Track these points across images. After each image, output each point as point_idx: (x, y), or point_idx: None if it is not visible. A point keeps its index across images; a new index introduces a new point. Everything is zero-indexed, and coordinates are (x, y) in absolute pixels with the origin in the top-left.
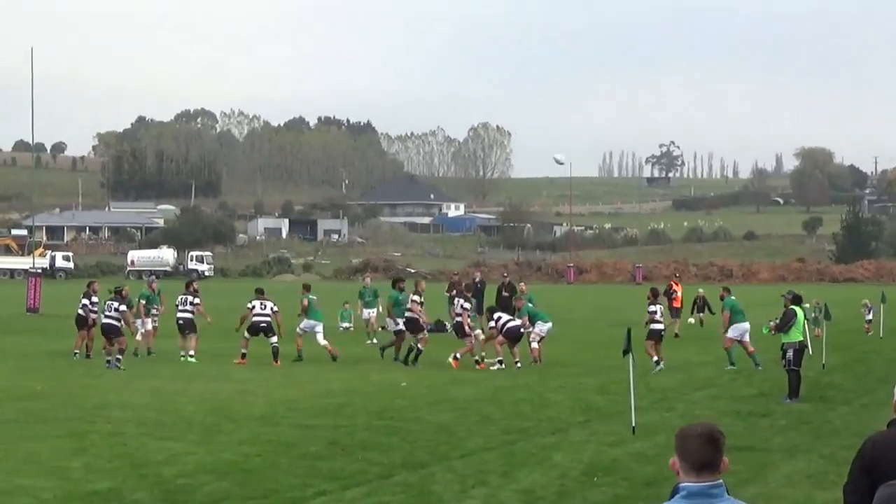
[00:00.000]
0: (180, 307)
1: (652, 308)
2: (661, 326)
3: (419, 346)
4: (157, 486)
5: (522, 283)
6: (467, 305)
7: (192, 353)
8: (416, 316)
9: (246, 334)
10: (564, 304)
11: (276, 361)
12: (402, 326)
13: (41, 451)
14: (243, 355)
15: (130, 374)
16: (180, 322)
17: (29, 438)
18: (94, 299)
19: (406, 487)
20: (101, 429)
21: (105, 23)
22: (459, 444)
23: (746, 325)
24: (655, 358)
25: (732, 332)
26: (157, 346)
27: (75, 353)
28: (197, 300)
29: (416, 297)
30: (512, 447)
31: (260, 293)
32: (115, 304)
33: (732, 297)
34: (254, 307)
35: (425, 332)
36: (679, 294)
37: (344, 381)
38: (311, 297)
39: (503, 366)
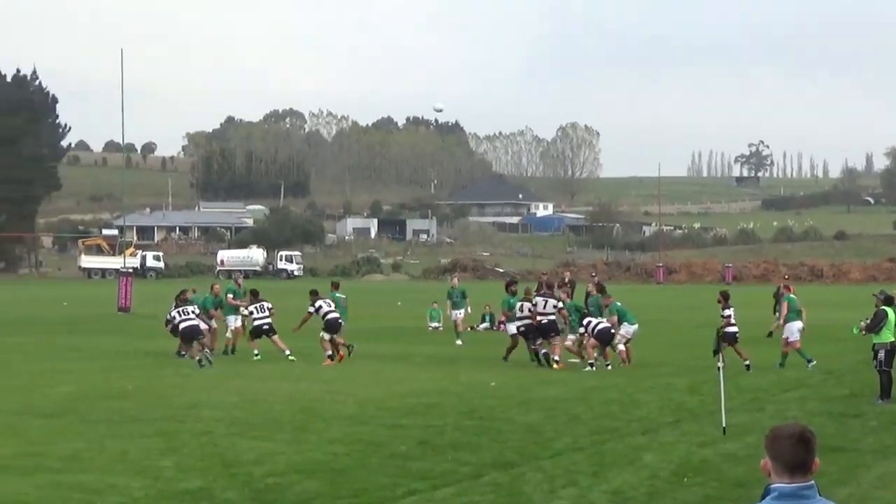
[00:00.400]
0: (257, 313)
1: (725, 312)
2: (734, 329)
3: (546, 350)
4: (247, 485)
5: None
6: (559, 304)
7: (287, 351)
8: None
9: (325, 335)
10: (654, 304)
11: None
12: (514, 330)
13: (132, 451)
14: (330, 357)
15: (220, 374)
16: (265, 328)
17: (120, 437)
18: (190, 308)
19: (496, 487)
20: (191, 428)
21: (194, 24)
22: (549, 444)
23: (799, 324)
24: (746, 361)
25: (788, 332)
26: (244, 345)
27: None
28: (269, 304)
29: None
30: (601, 447)
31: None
32: (191, 308)
33: (792, 295)
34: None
35: (557, 334)
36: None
37: (434, 380)
38: (338, 295)
39: (594, 369)
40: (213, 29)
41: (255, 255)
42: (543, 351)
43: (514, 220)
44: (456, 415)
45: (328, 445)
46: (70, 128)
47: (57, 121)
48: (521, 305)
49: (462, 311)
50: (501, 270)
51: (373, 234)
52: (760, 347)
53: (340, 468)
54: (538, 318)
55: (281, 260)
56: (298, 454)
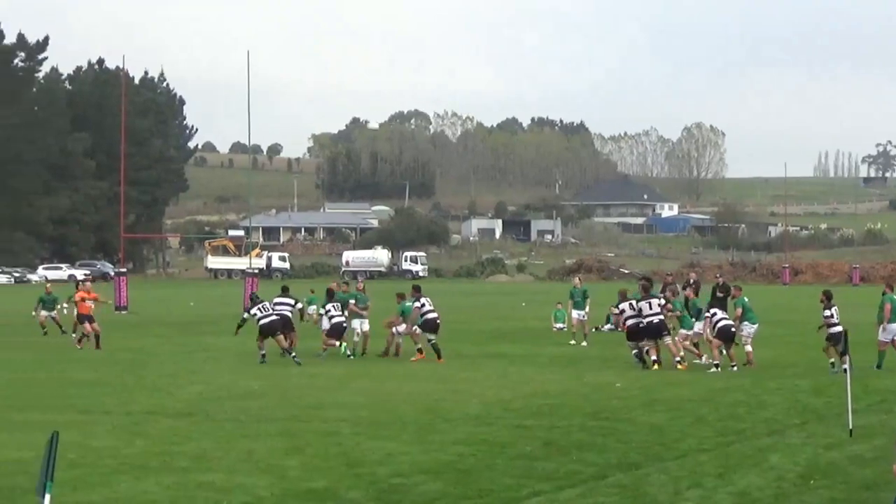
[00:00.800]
0: (334, 311)
1: (826, 312)
2: (837, 329)
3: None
4: (372, 485)
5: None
6: (661, 301)
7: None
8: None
9: (418, 330)
10: (779, 305)
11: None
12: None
13: (258, 450)
14: (419, 350)
15: (345, 375)
16: (344, 325)
17: (246, 437)
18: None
19: (620, 489)
20: (316, 428)
21: (319, 26)
22: (673, 445)
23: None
24: (832, 360)
25: (883, 335)
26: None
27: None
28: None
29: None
30: (727, 449)
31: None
32: (269, 304)
33: (894, 295)
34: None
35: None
36: None
37: (558, 381)
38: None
39: (719, 369)
40: (340, 30)
41: (380, 255)
42: (646, 349)
43: (639, 220)
44: (581, 415)
45: (453, 446)
46: (197, 129)
47: (184, 122)
48: (623, 306)
49: (584, 311)
50: (626, 271)
51: (497, 235)
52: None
53: (465, 469)
54: (645, 319)
55: (406, 261)
56: (423, 454)
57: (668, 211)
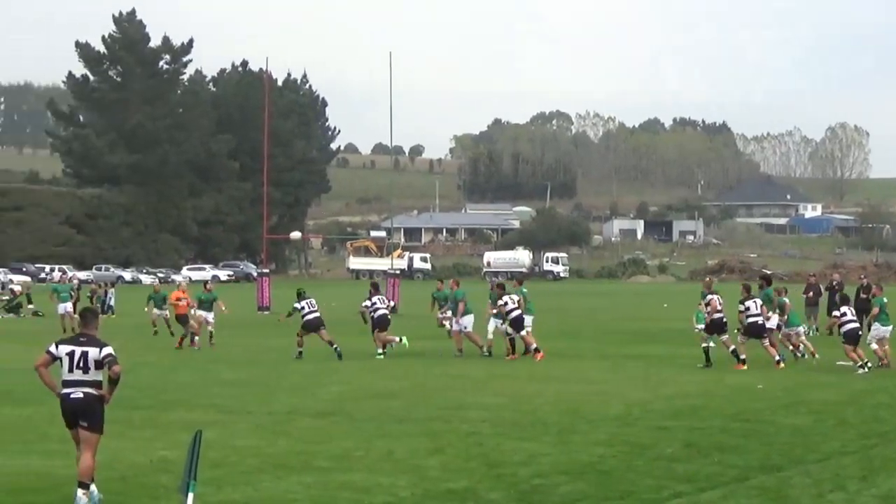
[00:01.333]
0: (379, 304)
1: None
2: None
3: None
4: (513, 486)
5: (875, 287)
6: (760, 302)
7: (335, 345)
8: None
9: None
10: None
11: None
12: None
13: (398, 450)
14: (536, 350)
15: (487, 375)
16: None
17: (386, 437)
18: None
19: (762, 491)
20: (457, 428)
21: (461, 27)
22: (816, 447)
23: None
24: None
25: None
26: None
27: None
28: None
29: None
30: (870, 451)
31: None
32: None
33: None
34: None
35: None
36: None
37: (699, 383)
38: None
39: (866, 370)
40: (482, 31)
41: (522, 256)
42: (710, 345)
43: (782, 221)
44: (722, 417)
45: (594, 447)
46: (339, 131)
47: (326, 124)
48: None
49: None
50: (769, 272)
51: (639, 236)
52: None
53: (606, 470)
54: (749, 319)
55: (547, 261)
56: (564, 455)
57: (812, 212)
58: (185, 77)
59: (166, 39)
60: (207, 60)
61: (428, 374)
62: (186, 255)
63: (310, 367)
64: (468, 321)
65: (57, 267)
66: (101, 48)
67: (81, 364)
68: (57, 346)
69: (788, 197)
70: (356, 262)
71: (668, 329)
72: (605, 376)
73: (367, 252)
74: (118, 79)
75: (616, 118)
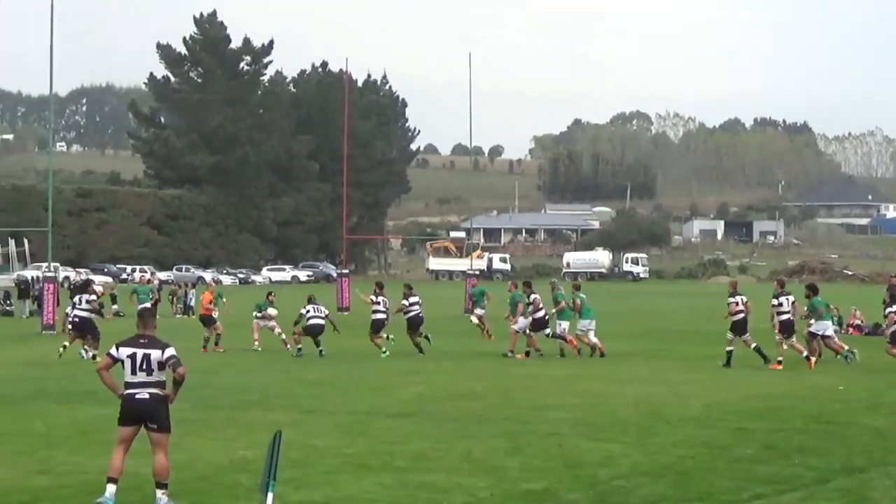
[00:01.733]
0: (313, 312)
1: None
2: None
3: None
4: (592, 487)
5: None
6: (792, 299)
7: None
8: None
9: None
10: None
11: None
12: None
13: (477, 450)
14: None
15: (567, 376)
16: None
17: (466, 437)
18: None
19: (843, 493)
20: (536, 429)
21: (538, 27)
22: None
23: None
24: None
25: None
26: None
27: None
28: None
29: None
30: None
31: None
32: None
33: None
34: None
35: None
36: None
37: (779, 384)
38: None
39: None
40: (562, 32)
41: (601, 257)
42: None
43: (863, 221)
44: (802, 418)
45: (673, 448)
46: (419, 131)
47: (406, 125)
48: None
49: None
50: (850, 273)
51: (719, 236)
52: None
53: (685, 471)
54: (778, 316)
55: (627, 262)
56: (644, 456)
57: (893, 212)
58: (266, 78)
59: (247, 40)
60: (288, 61)
61: (508, 374)
62: (266, 255)
63: (390, 368)
64: (524, 323)
65: (138, 268)
66: (182, 49)
67: (144, 366)
68: (118, 349)
69: (870, 197)
70: (436, 263)
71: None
72: (685, 377)
73: (446, 252)
74: (199, 80)
75: (696, 118)
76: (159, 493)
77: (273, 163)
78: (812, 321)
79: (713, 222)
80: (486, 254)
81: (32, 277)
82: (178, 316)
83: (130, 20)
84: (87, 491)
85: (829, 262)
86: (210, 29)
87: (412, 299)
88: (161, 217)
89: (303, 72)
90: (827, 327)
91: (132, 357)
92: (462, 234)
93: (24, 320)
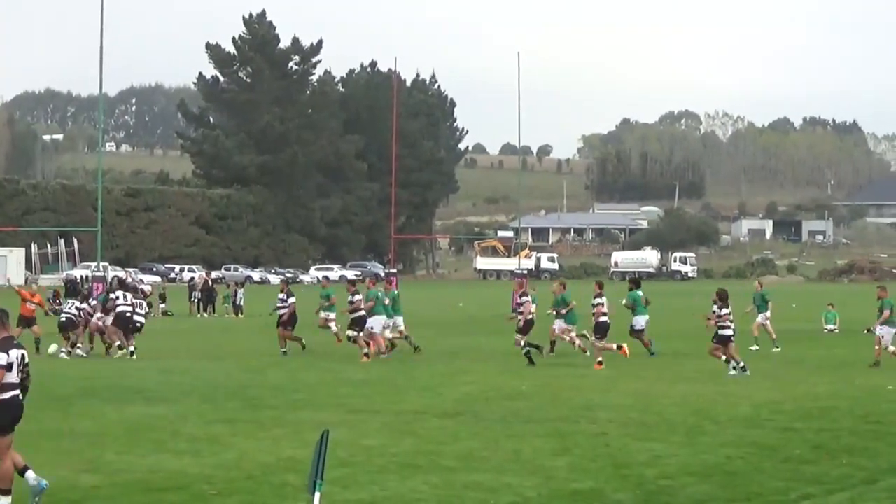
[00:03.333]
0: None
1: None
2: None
3: None
4: (639, 486)
5: None
6: None
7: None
8: None
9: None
10: None
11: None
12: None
13: (525, 450)
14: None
15: (614, 376)
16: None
17: (514, 437)
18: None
19: (891, 494)
20: (584, 429)
21: (590, 26)
22: None
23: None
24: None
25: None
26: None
27: None
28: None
29: None
30: None
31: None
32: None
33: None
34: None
35: None
36: None
37: (829, 384)
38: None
39: None
40: (610, 30)
41: (649, 256)
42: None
43: None
44: (851, 419)
45: (721, 448)
46: (467, 131)
47: (455, 124)
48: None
49: (766, 314)
50: None
51: (768, 236)
52: None
53: (733, 471)
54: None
55: (675, 261)
56: (691, 456)
57: None
58: (314, 78)
59: (296, 40)
60: (337, 61)
61: (555, 374)
62: (314, 255)
63: (438, 368)
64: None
65: (187, 267)
66: (231, 49)
67: (22, 367)
68: (7, 353)
69: None
70: (484, 263)
71: (797, 330)
72: (734, 378)
73: (494, 252)
74: (248, 80)
75: (745, 118)
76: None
77: (321, 162)
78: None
79: (762, 222)
80: (534, 253)
81: (82, 277)
82: (227, 316)
83: (180, 20)
84: (135, 489)
85: (879, 261)
86: (259, 29)
87: (357, 297)
88: (209, 217)
89: (351, 71)
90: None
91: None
92: (510, 234)
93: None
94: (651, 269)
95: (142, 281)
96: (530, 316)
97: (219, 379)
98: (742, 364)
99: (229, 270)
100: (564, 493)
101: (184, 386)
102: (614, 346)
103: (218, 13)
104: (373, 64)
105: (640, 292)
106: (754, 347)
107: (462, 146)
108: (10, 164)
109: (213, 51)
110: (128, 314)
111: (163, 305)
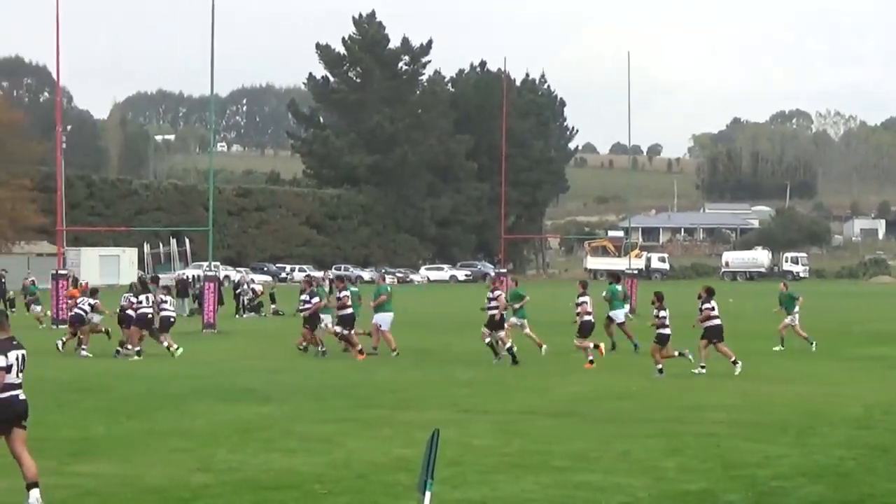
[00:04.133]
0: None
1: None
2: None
3: None
4: (751, 487)
5: None
6: None
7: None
8: None
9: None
10: None
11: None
12: None
13: (635, 451)
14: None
15: (723, 375)
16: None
17: (623, 437)
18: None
19: None
20: (694, 430)
21: (699, 27)
22: None
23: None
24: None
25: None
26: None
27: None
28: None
29: None
30: None
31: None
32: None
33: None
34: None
35: None
36: None
37: None
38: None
39: None
40: (720, 30)
41: (760, 256)
42: None
43: None
44: None
45: (833, 449)
46: (577, 130)
47: (564, 123)
48: None
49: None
50: None
51: (880, 235)
52: None
53: (845, 472)
54: None
55: (786, 261)
56: (803, 457)
57: None
58: (424, 78)
59: (405, 40)
60: (446, 61)
61: (664, 373)
62: (424, 255)
63: (546, 368)
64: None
65: (297, 267)
66: (342, 50)
67: (23, 367)
68: (6, 355)
69: None
70: (594, 262)
71: None
72: (844, 377)
73: (604, 252)
74: (358, 80)
75: (857, 117)
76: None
77: (431, 162)
78: None
79: (874, 221)
80: (645, 253)
81: (194, 276)
82: None
83: (290, 21)
84: (246, 488)
85: None
86: (369, 29)
87: (315, 298)
88: (320, 216)
89: (461, 71)
90: None
91: (19, 359)
92: (620, 234)
93: (185, 319)
94: (762, 270)
95: (253, 280)
96: (587, 317)
97: (328, 378)
98: (660, 368)
99: (340, 270)
100: (675, 493)
101: (293, 385)
102: (591, 345)
103: (328, 14)
104: (482, 64)
105: (619, 287)
106: (778, 348)
107: (572, 146)
108: (122, 164)
109: (324, 51)
110: (149, 316)
111: (273, 305)
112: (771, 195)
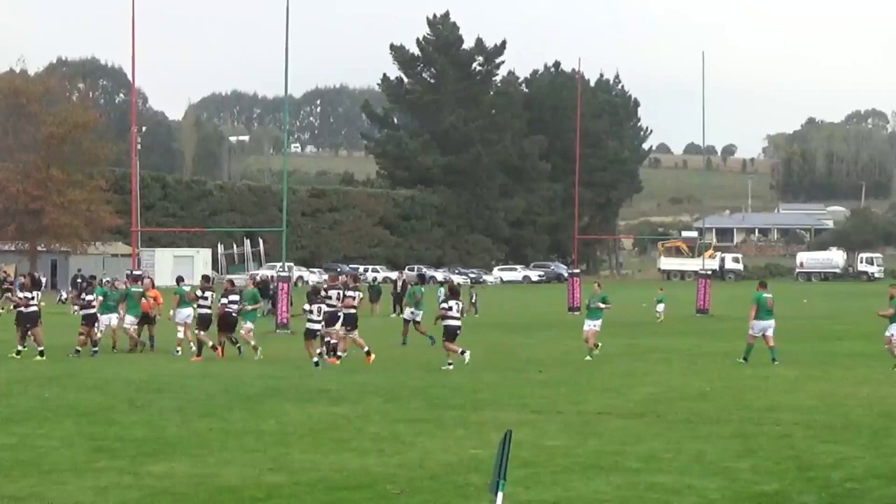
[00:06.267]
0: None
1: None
2: None
3: None
4: (825, 489)
5: None
6: None
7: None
8: None
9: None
10: None
11: None
12: None
13: (708, 452)
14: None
15: (799, 377)
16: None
17: (697, 439)
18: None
19: None
20: (769, 431)
21: (774, 25)
22: None
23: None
24: None
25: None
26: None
27: None
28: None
29: None
30: None
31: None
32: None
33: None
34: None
35: None
36: None
37: None
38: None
39: None
40: (794, 31)
41: (835, 257)
42: None
43: None
44: None
45: None
46: (651, 130)
47: (638, 124)
48: None
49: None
50: None
51: None
52: None
53: None
54: None
55: (861, 262)
56: (878, 459)
57: None
58: (498, 78)
59: (479, 41)
60: (520, 62)
61: (738, 375)
62: (497, 255)
63: (621, 368)
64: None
65: (371, 268)
66: (416, 50)
67: None
68: None
69: None
70: (667, 263)
71: None
72: None
73: (678, 252)
74: (432, 81)
75: None
76: None
77: (505, 163)
78: None
79: None
80: (719, 253)
81: (269, 276)
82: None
83: (364, 22)
84: (318, 488)
85: None
86: (443, 30)
87: (232, 297)
88: (393, 217)
89: (535, 72)
90: None
91: None
92: (694, 234)
93: (259, 319)
94: (837, 270)
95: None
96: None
97: (400, 378)
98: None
99: (413, 271)
100: (749, 495)
101: (366, 385)
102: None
103: (402, 14)
104: (556, 64)
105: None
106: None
107: (646, 146)
108: (197, 165)
109: (398, 52)
110: (209, 314)
111: None
112: (846, 195)
